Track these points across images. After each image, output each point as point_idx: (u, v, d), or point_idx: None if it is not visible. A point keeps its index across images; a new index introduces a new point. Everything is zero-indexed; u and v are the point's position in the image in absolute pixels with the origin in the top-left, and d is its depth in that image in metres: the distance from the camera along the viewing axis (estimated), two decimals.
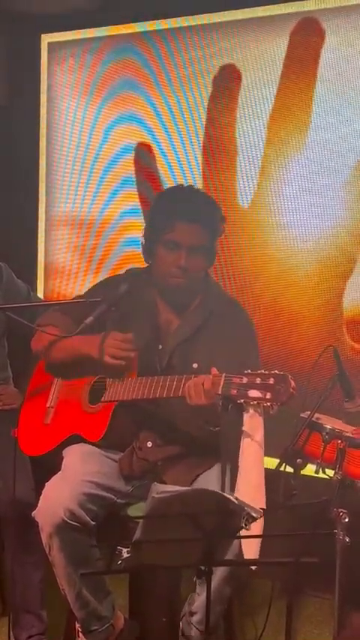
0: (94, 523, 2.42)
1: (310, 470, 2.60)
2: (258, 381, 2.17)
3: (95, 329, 2.53)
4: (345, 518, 2.44)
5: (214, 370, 2.28)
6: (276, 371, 2.18)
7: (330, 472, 2.54)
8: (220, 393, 2.23)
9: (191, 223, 2.51)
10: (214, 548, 1.81)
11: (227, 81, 3.46)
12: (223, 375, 2.24)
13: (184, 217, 2.51)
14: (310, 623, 3.16)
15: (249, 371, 2.21)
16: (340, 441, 2.50)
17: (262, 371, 2.19)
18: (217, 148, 3.50)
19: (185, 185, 2.82)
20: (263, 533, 2.03)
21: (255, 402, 2.18)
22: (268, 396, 2.15)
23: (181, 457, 2.56)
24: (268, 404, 2.16)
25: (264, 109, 3.36)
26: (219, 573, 2.33)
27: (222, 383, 2.23)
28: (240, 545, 2.20)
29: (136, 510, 2.54)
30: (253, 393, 2.17)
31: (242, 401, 2.20)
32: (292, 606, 2.81)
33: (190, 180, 3.54)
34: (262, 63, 3.35)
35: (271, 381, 2.16)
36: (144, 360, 2.52)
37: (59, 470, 2.54)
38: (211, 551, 1.80)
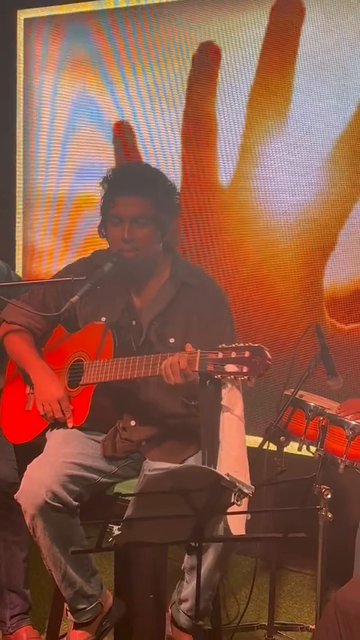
0: (76, 503, 2.41)
1: (292, 447, 2.63)
2: (233, 355, 2.16)
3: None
4: (327, 494, 2.48)
5: (189, 347, 2.27)
6: (250, 343, 2.17)
7: (312, 449, 2.57)
8: (196, 370, 2.22)
9: (129, 195, 2.51)
10: (205, 524, 1.82)
11: (206, 58, 3.43)
12: (199, 351, 2.23)
13: (122, 191, 2.52)
14: (291, 598, 3.19)
15: (223, 345, 2.20)
16: (322, 418, 2.53)
17: (237, 344, 2.19)
18: (197, 127, 3.47)
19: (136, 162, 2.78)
20: (248, 509, 2.04)
21: (232, 377, 2.18)
22: (245, 369, 2.14)
23: (165, 437, 2.55)
24: (246, 377, 2.16)
25: (244, 86, 3.34)
26: (209, 560, 2.34)
27: (198, 360, 2.22)
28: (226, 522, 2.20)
29: (125, 488, 2.54)
30: (230, 368, 2.16)
31: (220, 376, 2.20)
32: (274, 582, 2.83)
33: (169, 159, 3.52)
34: (241, 39, 3.32)
35: (247, 354, 2.15)
36: (118, 337, 2.52)
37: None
38: (202, 528, 1.81)
